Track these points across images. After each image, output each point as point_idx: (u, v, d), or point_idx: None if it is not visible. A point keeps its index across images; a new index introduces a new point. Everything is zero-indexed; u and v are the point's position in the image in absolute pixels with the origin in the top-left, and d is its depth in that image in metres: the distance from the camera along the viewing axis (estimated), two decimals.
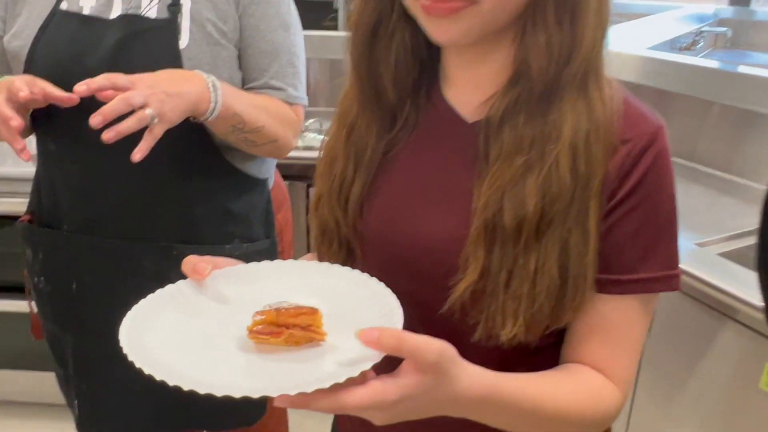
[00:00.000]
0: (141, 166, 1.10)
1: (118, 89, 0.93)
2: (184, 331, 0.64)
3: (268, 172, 1.31)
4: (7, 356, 2.14)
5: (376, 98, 0.73)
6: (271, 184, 1.33)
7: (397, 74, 0.72)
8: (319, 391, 0.50)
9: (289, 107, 1.19)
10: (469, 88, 0.71)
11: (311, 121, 2.33)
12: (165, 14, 1.08)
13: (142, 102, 0.93)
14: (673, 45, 2.55)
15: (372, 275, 0.74)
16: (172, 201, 1.16)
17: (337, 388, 0.51)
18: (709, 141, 2.00)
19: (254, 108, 1.11)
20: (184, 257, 1.15)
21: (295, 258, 0.86)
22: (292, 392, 0.50)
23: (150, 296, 0.67)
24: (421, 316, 0.68)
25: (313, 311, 0.61)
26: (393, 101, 0.73)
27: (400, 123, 0.75)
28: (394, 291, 0.68)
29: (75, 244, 1.18)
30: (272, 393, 0.51)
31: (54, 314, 1.27)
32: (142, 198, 1.14)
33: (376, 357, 0.54)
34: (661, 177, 0.67)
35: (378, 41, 0.71)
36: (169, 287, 0.69)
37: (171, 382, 0.53)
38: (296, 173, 2.01)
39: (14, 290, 1.96)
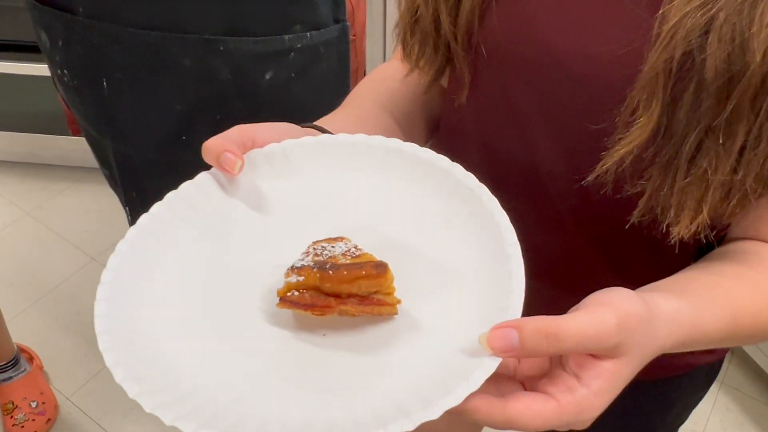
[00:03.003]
0: None
1: None
2: (198, 275, 0.44)
3: None
4: (38, 119, 2.01)
5: None
6: None
7: None
8: (485, 400, 0.36)
9: None
10: None
11: None
12: None
13: None
14: None
15: (484, 110, 0.55)
16: None
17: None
18: None
19: None
20: (232, 53, 0.93)
21: (372, 63, 0.63)
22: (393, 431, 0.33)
23: (156, 206, 0.46)
24: (555, 185, 0.54)
25: (379, 271, 0.39)
26: None
27: None
28: (518, 142, 0.51)
29: (97, 33, 0.93)
30: None
31: (87, 114, 1.07)
32: None
33: (492, 362, 0.36)
34: None
35: None
36: (186, 187, 0.47)
37: (181, 426, 0.35)
38: None
39: (29, 49, 1.76)
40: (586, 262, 0.59)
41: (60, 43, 1.00)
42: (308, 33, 0.96)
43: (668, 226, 0.47)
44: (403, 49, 0.59)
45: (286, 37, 0.94)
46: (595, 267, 0.59)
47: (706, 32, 0.41)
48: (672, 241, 0.48)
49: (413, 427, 0.33)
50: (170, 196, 0.47)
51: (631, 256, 0.58)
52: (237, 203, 0.48)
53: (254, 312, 0.42)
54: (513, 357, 0.37)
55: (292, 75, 0.97)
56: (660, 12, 0.44)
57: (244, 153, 0.48)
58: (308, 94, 0.99)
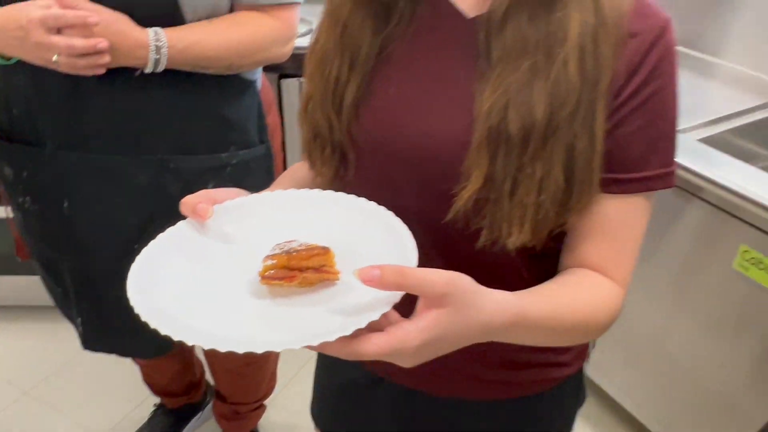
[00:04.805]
0: (129, 77, 1.03)
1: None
2: (194, 279, 0.61)
3: (258, 72, 1.24)
4: None
5: None
6: (259, 85, 1.27)
7: None
8: (340, 339, 0.49)
9: (279, 18, 1.11)
10: None
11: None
12: None
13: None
14: None
15: (368, 182, 0.72)
16: (165, 112, 1.09)
17: (357, 333, 0.49)
18: (689, 22, 1.98)
19: (222, 49, 1.06)
20: (181, 169, 1.14)
21: (285, 167, 0.84)
22: (315, 343, 0.48)
23: (152, 243, 0.63)
24: (423, 225, 0.67)
25: (325, 251, 0.59)
26: None
27: (396, 18, 0.70)
28: (392, 199, 0.66)
29: (62, 161, 1.11)
30: (295, 345, 0.49)
31: (45, 235, 1.22)
32: (133, 110, 1.07)
33: (393, 297, 0.51)
34: (668, 73, 0.65)
35: None
36: (170, 231, 0.65)
37: (191, 342, 0.51)
38: (289, 70, 1.86)
39: None
40: None
41: (25, 174, 1.16)
42: (240, 151, 1.19)
43: (505, 242, 0.65)
44: (309, 159, 0.78)
45: (224, 155, 1.17)
46: None
47: (507, 107, 0.61)
48: (512, 255, 0.67)
49: (343, 334, 0.48)
50: (160, 236, 0.64)
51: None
52: (210, 240, 0.66)
53: (243, 293, 0.59)
54: (375, 287, 0.50)
55: (230, 186, 1.17)
56: (476, 100, 0.63)
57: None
58: None
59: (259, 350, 0.48)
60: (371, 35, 0.70)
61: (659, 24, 0.64)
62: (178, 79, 1.07)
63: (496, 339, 0.57)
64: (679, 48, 1.97)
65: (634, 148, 0.65)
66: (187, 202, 0.65)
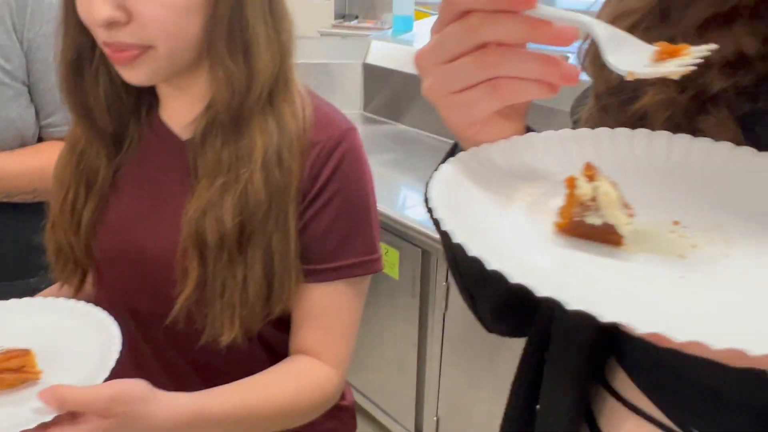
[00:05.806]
0: None
1: None
2: None
3: None
4: None
5: (92, 127, 0.76)
6: None
7: (108, 104, 0.75)
8: None
9: None
10: (180, 110, 0.77)
11: None
12: None
13: None
14: None
15: (108, 289, 0.79)
16: None
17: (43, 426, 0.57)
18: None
19: (22, 175, 1.09)
20: None
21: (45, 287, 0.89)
22: None
23: None
24: (155, 324, 0.72)
25: (24, 352, 0.63)
26: (111, 128, 0.77)
27: (127, 143, 0.78)
28: (129, 302, 0.72)
29: None
30: None
31: None
32: None
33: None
34: (351, 173, 0.74)
35: (84, 76, 0.74)
36: None
37: None
38: None
39: None
40: (184, 377, 0.81)
41: None
42: (51, 275, 1.20)
43: (221, 337, 0.72)
44: (54, 271, 0.84)
45: (32, 280, 1.17)
46: (189, 378, 0.81)
47: (204, 217, 0.69)
48: (223, 345, 0.73)
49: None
50: None
51: (205, 374, 0.78)
52: None
53: None
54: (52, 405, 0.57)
55: None
56: (186, 210, 0.72)
57: None
58: None
59: None
60: (107, 161, 0.78)
61: (338, 133, 0.74)
62: None
63: None
64: None
65: (329, 241, 0.74)
66: None
